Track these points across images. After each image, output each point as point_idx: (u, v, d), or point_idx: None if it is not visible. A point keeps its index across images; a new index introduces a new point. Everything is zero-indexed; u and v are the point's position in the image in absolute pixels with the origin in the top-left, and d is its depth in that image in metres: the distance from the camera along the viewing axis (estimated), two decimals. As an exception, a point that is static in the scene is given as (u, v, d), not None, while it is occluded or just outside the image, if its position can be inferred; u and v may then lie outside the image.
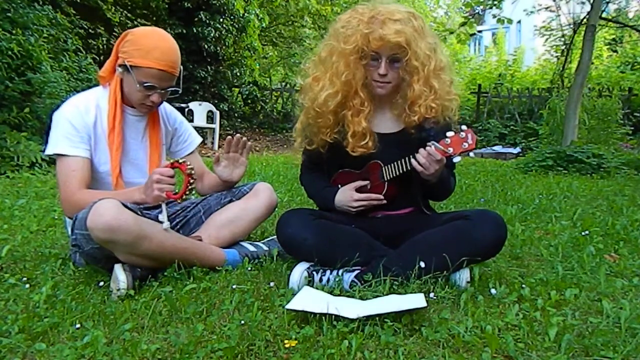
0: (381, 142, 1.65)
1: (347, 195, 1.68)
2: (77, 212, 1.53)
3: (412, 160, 1.53)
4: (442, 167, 1.53)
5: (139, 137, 1.79)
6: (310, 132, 1.71)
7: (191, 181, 1.56)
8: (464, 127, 1.48)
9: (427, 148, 1.49)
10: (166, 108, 1.92)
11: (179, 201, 1.58)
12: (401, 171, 1.60)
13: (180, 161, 1.59)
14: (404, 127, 1.66)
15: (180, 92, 1.75)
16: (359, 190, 1.69)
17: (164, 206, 1.58)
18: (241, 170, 1.82)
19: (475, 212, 1.57)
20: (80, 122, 1.65)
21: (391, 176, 1.63)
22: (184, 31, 8.44)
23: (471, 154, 1.48)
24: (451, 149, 1.47)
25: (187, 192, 1.56)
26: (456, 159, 1.50)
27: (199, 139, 2.03)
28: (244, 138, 1.78)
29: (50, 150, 1.64)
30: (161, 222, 1.55)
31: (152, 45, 1.61)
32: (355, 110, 1.62)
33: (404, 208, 1.73)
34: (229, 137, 1.77)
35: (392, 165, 1.62)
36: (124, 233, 1.43)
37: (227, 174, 1.81)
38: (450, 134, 1.49)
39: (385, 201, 1.66)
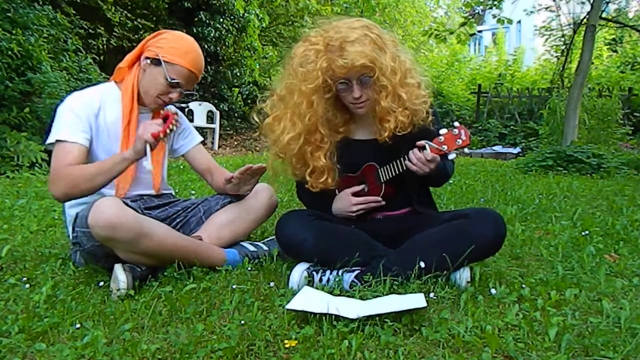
0: (367, 147, 1.66)
1: (345, 201, 1.67)
2: (64, 188, 1.54)
3: (406, 162, 1.53)
4: (438, 163, 1.51)
5: None
6: (281, 170, 1.69)
7: (173, 122, 1.60)
8: (456, 123, 1.49)
9: (421, 150, 1.48)
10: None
11: (162, 137, 1.57)
12: (397, 172, 1.59)
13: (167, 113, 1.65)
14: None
15: (196, 96, 1.77)
16: (355, 194, 1.68)
17: (148, 149, 1.56)
18: (250, 187, 1.82)
19: (474, 210, 1.58)
20: (83, 111, 1.65)
21: (388, 178, 1.63)
22: (184, 31, 8.37)
23: (465, 149, 1.47)
24: (445, 147, 1.48)
25: (170, 129, 1.59)
26: (451, 156, 1.50)
27: (200, 138, 2.03)
28: (263, 165, 1.73)
29: (51, 138, 1.63)
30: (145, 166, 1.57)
31: (188, 48, 1.71)
32: (315, 147, 1.60)
33: (403, 208, 1.74)
34: (249, 165, 1.72)
35: (388, 166, 1.62)
36: (125, 230, 1.43)
37: (235, 190, 1.82)
38: (443, 131, 1.49)
39: (384, 203, 1.66)
